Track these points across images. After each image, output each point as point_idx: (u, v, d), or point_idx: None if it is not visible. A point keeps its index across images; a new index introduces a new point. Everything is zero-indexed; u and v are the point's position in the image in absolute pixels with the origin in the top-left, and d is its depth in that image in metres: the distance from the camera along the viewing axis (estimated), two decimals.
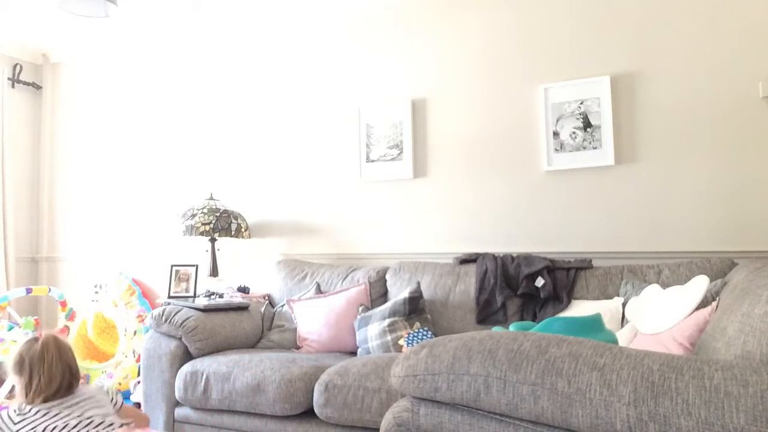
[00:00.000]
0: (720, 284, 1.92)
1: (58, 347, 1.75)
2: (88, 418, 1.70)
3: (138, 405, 3.23)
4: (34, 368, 1.70)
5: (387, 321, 2.61)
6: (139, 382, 3.16)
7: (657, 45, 2.79)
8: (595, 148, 2.86)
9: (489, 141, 3.10)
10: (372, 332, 2.62)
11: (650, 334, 1.76)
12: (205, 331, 2.60)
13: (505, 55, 3.10)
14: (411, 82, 3.30)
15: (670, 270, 2.44)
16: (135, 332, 3.67)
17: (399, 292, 2.83)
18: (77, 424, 1.68)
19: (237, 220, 3.43)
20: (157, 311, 2.66)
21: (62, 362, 1.74)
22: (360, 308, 2.80)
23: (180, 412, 2.51)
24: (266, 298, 3.18)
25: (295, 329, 2.90)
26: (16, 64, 4.22)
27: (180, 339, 2.58)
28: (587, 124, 2.88)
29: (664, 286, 2.02)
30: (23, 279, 4.17)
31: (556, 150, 2.94)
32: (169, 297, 3.29)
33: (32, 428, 1.63)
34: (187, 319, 2.59)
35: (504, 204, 3.05)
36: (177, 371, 2.51)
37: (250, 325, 2.89)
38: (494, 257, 2.79)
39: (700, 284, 1.75)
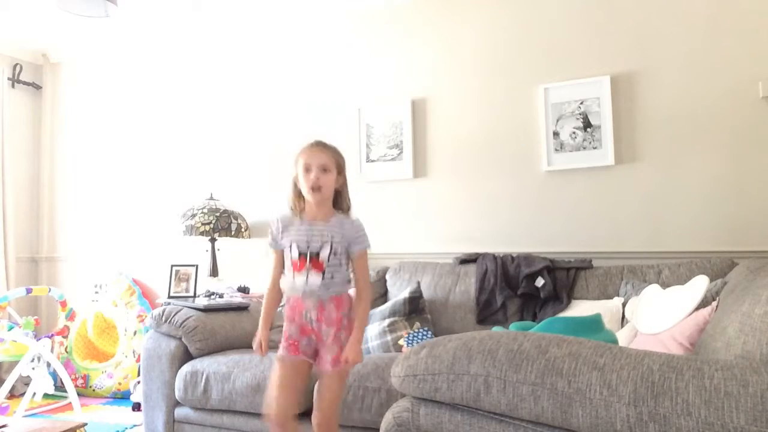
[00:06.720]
0: (720, 284, 1.92)
1: None
2: None
3: (138, 405, 3.24)
4: None
5: (387, 321, 2.61)
6: (139, 382, 3.16)
7: (657, 45, 2.79)
8: (595, 148, 2.86)
9: (489, 141, 3.10)
10: (372, 332, 2.62)
11: (650, 334, 1.76)
12: (205, 331, 2.60)
13: (505, 55, 3.10)
14: (411, 82, 3.30)
15: (670, 270, 2.44)
16: (135, 332, 3.67)
17: (399, 292, 2.83)
18: None
19: (237, 220, 3.43)
20: (157, 311, 2.66)
21: None
22: None
23: (180, 412, 2.51)
24: None
25: None
26: (16, 64, 4.22)
27: (180, 339, 2.58)
28: (587, 124, 2.88)
29: (664, 286, 2.02)
30: (23, 279, 4.17)
31: (556, 150, 2.94)
32: (169, 297, 3.29)
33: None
34: (187, 319, 2.59)
35: (504, 204, 3.05)
36: (177, 371, 2.51)
37: (250, 325, 2.88)
38: (494, 257, 2.79)
39: (700, 284, 1.75)
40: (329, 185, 1.88)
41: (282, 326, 2.95)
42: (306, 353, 1.87)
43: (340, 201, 1.96)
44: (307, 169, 1.87)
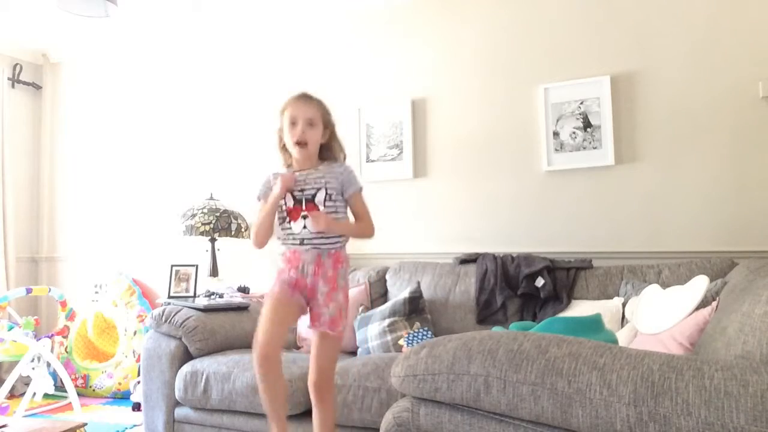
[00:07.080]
0: (720, 284, 1.92)
1: None
2: None
3: (138, 405, 3.24)
4: None
5: (387, 321, 2.61)
6: (139, 382, 3.16)
7: (657, 45, 2.79)
8: (595, 148, 2.86)
9: (489, 141, 3.10)
10: (372, 332, 2.62)
11: (650, 334, 1.76)
12: (205, 331, 2.60)
13: (505, 54, 3.10)
14: (411, 82, 3.30)
15: (670, 270, 2.44)
16: (135, 332, 3.67)
17: (399, 292, 2.83)
18: None
19: (237, 220, 3.43)
20: (157, 311, 2.66)
21: None
22: (360, 308, 2.80)
23: (180, 412, 2.51)
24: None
25: (295, 329, 2.90)
26: (16, 64, 4.22)
27: (180, 339, 2.58)
28: (587, 124, 2.88)
29: (664, 286, 2.02)
30: (23, 279, 4.17)
31: (556, 150, 2.94)
32: (169, 297, 3.29)
33: None
34: (187, 319, 2.59)
35: (504, 204, 3.05)
36: (177, 371, 2.51)
37: (250, 325, 2.88)
38: (494, 257, 2.78)
39: (700, 284, 1.75)
40: (315, 140, 1.86)
41: None
42: (301, 296, 1.83)
43: (326, 153, 1.92)
44: (293, 122, 1.85)
